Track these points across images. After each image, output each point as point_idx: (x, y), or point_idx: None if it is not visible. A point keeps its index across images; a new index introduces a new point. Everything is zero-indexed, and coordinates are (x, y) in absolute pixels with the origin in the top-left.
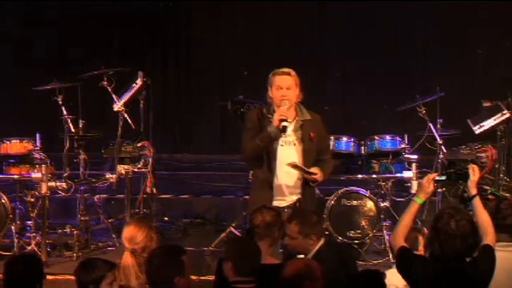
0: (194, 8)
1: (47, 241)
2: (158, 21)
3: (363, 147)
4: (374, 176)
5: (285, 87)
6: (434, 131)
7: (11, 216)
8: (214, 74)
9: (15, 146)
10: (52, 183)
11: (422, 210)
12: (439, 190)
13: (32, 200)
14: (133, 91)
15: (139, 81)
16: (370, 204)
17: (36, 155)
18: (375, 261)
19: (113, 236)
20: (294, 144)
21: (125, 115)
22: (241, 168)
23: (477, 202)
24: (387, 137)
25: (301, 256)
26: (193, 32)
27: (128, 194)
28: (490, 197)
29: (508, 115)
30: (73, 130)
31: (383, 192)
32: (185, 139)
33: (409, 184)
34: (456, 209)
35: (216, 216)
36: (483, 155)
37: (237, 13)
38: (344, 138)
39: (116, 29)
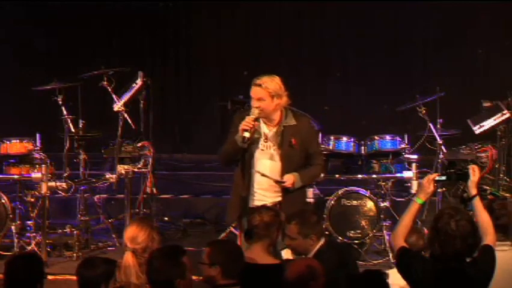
0: (194, 8)
1: (47, 241)
2: (158, 21)
3: (363, 147)
4: (374, 176)
5: (255, 98)
6: (434, 131)
7: (11, 216)
8: (214, 74)
9: (15, 146)
10: (52, 183)
11: (422, 210)
12: (439, 190)
13: (32, 200)
14: (133, 91)
15: (139, 81)
16: (370, 204)
17: (36, 155)
18: (375, 261)
19: (113, 236)
20: (274, 150)
21: (125, 115)
22: None
23: (477, 202)
24: (387, 137)
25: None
26: (193, 32)
27: (128, 194)
28: (489, 197)
29: (508, 115)
30: (73, 130)
31: (383, 192)
32: (185, 139)
33: (409, 184)
34: (456, 209)
35: (216, 216)
36: (483, 155)
37: (237, 13)
38: (344, 138)
39: (116, 29)
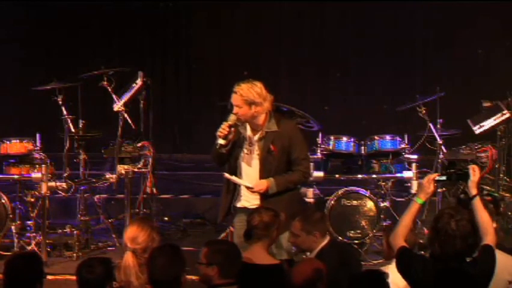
0: (194, 8)
1: (47, 241)
2: (158, 21)
3: (363, 147)
4: (374, 176)
5: (234, 105)
6: (434, 131)
7: (11, 216)
8: (214, 74)
9: (15, 146)
10: (52, 183)
11: (422, 210)
12: (439, 190)
13: (32, 200)
14: (133, 91)
15: (139, 81)
16: (370, 204)
17: (36, 155)
18: (375, 261)
19: (113, 236)
20: (257, 154)
21: (125, 115)
22: None
23: (477, 202)
24: (387, 137)
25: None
26: (193, 32)
27: (128, 194)
28: (487, 198)
29: (508, 115)
30: (73, 130)
31: (383, 192)
32: (185, 139)
33: (409, 184)
34: (456, 209)
35: (216, 216)
36: (483, 155)
37: (237, 13)
38: (344, 138)
39: (116, 29)
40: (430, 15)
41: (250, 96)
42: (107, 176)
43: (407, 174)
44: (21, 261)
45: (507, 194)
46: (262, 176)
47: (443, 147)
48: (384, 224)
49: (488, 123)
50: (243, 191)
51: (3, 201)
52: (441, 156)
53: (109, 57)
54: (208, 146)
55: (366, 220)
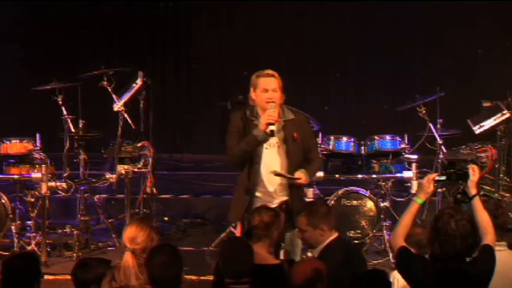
0: (194, 8)
1: (47, 241)
2: (158, 21)
3: (363, 147)
4: (374, 176)
5: (270, 90)
6: (434, 131)
7: (11, 216)
8: (214, 74)
9: (15, 146)
10: (52, 183)
11: (422, 210)
12: (439, 190)
13: (32, 200)
14: (133, 91)
15: (139, 81)
16: (370, 204)
17: (36, 155)
18: (375, 261)
19: (113, 236)
20: (278, 146)
21: (125, 115)
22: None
23: (477, 202)
24: (387, 137)
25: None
26: (193, 32)
27: (128, 194)
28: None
29: (508, 115)
30: (73, 130)
31: (383, 192)
32: (185, 139)
33: (409, 184)
34: (456, 209)
35: (216, 216)
36: (483, 155)
37: (237, 13)
38: (344, 138)
39: (116, 29)
40: (430, 15)
41: (281, 82)
42: (107, 176)
43: (407, 174)
44: (18, 261)
45: (507, 194)
46: (290, 166)
47: (443, 147)
48: (384, 224)
49: (488, 123)
50: (265, 190)
51: (3, 201)
52: (441, 156)
53: (109, 57)
54: (208, 146)
55: (366, 220)
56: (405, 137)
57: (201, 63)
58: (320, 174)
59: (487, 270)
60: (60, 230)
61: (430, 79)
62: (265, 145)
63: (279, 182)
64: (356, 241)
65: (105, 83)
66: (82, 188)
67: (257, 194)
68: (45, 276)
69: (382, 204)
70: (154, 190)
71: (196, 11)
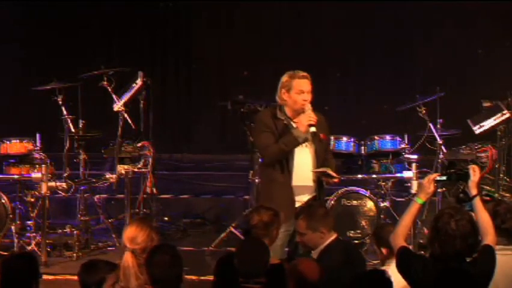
0: (194, 8)
1: (47, 241)
2: (158, 21)
3: (363, 147)
4: (374, 176)
5: (306, 91)
6: (434, 131)
7: (11, 216)
8: (214, 74)
9: (15, 146)
10: (52, 183)
11: (422, 210)
12: (439, 190)
13: (32, 200)
14: (133, 91)
15: (139, 81)
16: (370, 204)
17: (36, 155)
18: (375, 261)
19: (113, 236)
20: (306, 146)
21: (125, 115)
22: (241, 168)
23: (477, 202)
24: (387, 137)
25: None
26: (193, 32)
27: (128, 194)
28: (486, 198)
29: (508, 115)
30: (73, 130)
31: (383, 192)
32: (185, 139)
33: (409, 184)
34: (456, 209)
35: (216, 216)
36: (483, 155)
37: (237, 13)
38: (344, 138)
39: (116, 29)
40: (430, 15)
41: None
42: (107, 176)
43: (407, 174)
44: (17, 261)
45: (507, 194)
46: (317, 166)
47: (443, 147)
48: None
49: (488, 123)
50: (296, 187)
51: (3, 201)
52: (441, 156)
53: (109, 57)
54: (208, 146)
55: (366, 220)
56: (405, 137)
57: (201, 63)
58: None
59: (487, 271)
60: (60, 230)
61: (430, 79)
62: None
63: (310, 180)
64: (356, 241)
65: (105, 83)
66: (82, 188)
67: (291, 191)
68: (45, 276)
69: (382, 204)
70: (154, 190)
71: (196, 11)
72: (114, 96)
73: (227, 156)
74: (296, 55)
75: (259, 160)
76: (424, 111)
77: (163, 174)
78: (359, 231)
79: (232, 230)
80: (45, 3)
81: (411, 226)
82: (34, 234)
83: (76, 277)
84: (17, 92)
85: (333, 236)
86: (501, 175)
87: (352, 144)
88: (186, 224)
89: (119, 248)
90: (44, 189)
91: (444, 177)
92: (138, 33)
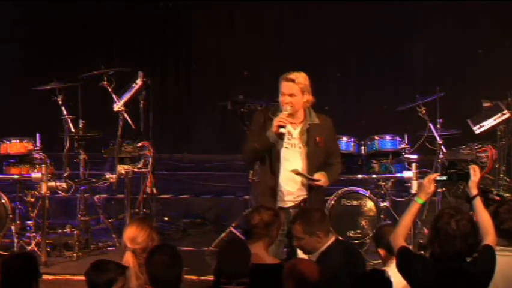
0: (194, 8)
1: (47, 241)
2: (158, 21)
3: (363, 147)
4: (374, 176)
5: (287, 94)
6: (434, 131)
7: (11, 216)
8: (214, 74)
9: (15, 146)
10: (52, 183)
11: (422, 210)
12: (439, 190)
13: (32, 200)
14: (133, 91)
15: (139, 81)
16: (370, 204)
17: (36, 155)
18: (375, 261)
19: (113, 236)
20: (300, 148)
21: (125, 115)
22: (241, 168)
23: (478, 202)
24: (387, 137)
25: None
26: (193, 32)
27: (128, 194)
28: (496, 198)
29: (508, 115)
30: (73, 130)
31: (383, 192)
32: (185, 139)
33: (409, 184)
34: (456, 209)
35: (216, 216)
36: (483, 155)
37: (237, 13)
38: (344, 138)
39: (116, 29)
40: (430, 15)
41: (306, 84)
42: (107, 176)
43: (407, 174)
44: (17, 261)
45: (507, 194)
46: (310, 169)
47: (443, 147)
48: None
49: (488, 123)
50: (285, 189)
51: (3, 201)
52: (441, 156)
53: (109, 57)
54: (208, 146)
55: (366, 220)
56: (405, 137)
57: (201, 63)
58: None
59: (487, 271)
60: (60, 230)
61: (430, 79)
62: (285, 144)
63: (298, 182)
64: (356, 241)
65: (105, 83)
66: (82, 188)
67: (278, 192)
68: (45, 276)
69: (382, 204)
70: (154, 190)
71: (196, 11)
72: (114, 96)
73: (227, 156)
74: (296, 55)
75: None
76: (424, 111)
77: (163, 174)
78: (359, 231)
79: (232, 230)
80: (45, 3)
81: (411, 226)
82: (34, 234)
83: (76, 277)
84: (17, 92)
85: (332, 239)
86: (501, 175)
87: (352, 144)
88: (186, 224)
89: (119, 248)
90: (44, 189)
91: (444, 177)
92: (138, 33)
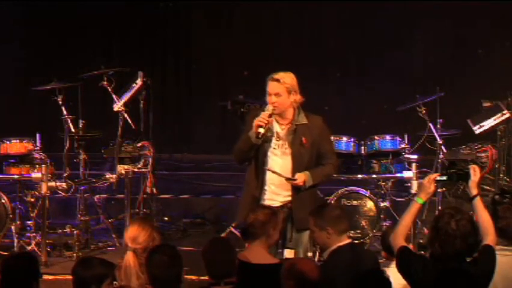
0: (194, 8)
1: (47, 241)
2: (158, 21)
3: (363, 147)
4: (374, 176)
5: (272, 94)
6: (434, 131)
7: (11, 216)
8: (214, 74)
9: (15, 146)
10: (52, 183)
11: (422, 210)
12: (439, 190)
13: (32, 200)
14: (133, 91)
15: (139, 81)
16: (370, 204)
17: (36, 155)
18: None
19: (113, 236)
20: (286, 148)
21: (125, 115)
22: (241, 168)
23: (478, 202)
24: (387, 137)
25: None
26: (193, 32)
27: (128, 194)
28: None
29: (508, 115)
30: (73, 130)
31: (383, 192)
32: (185, 139)
33: (409, 184)
34: (456, 209)
35: (216, 216)
36: (483, 155)
37: (237, 13)
38: (344, 138)
39: (116, 29)
40: (430, 15)
41: (293, 84)
42: (107, 176)
43: (407, 174)
44: (17, 261)
45: (499, 192)
46: (295, 169)
47: (443, 147)
48: (384, 224)
49: (488, 123)
50: (269, 190)
51: (3, 201)
52: (441, 156)
53: (109, 57)
54: (208, 146)
55: (366, 220)
56: (405, 137)
57: (201, 63)
58: None
59: (487, 271)
60: (60, 230)
61: (430, 79)
62: (273, 145)
63: (282, 182)
64: (356, 241)
65: (105, 83)
66: (82, 188)
67: (263, 193)
68: (45, 276)
69: (382, 204)
70: (154, 190)
71: (196, 11)
72: (114, 96)
73: (227, 156)
74: (296, 55)
75: None
76: (424, 111)
77: (163, 174)
78: (359, 231)
79: (232, 230)
80: (45, 3)
81: (411, 226)
82: (34, 234)
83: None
84: (17, 92)
85: (345, 241)
86: (501, 175)
87: (352, 144)
88: (186, 224)
89: (119, 248)
90: (44, 189)
91: (444, 177)
92: (138, 33)
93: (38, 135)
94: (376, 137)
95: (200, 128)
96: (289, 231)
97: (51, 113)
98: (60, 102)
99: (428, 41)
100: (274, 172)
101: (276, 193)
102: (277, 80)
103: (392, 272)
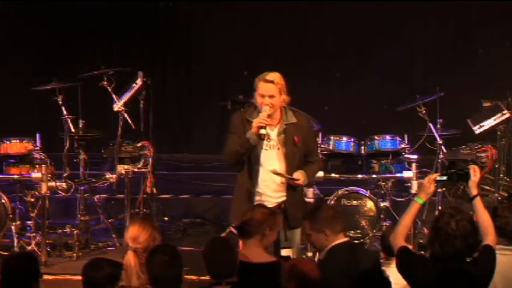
0: (194, 8)
1: (47, 241)
2: (158, 21)
3: (363, 147)
4: (374, 176)
5: (267, 96)
6: (434, 131)
7: (11, 216)
8: (214, 74)
9: (15, 146)
10: (52, 183)
11: (422, 210)
12: (439, 190)
13: (32, 200)
14: (133, 91)
15: (139, 81)
16: (370, 204)
17: (36, 155)
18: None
19: (113, 236)
20: (278, 149)
21: (125, 115)
22: None
23: (478, 202)
24: (387, 137)
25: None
26: (193, 32)
27: (128, 194)
28: None
29: (508, 115)
30: (73, 130)
31: (383, 192)
32: (185, 139)
33: (409, 184)
34: (456, 209)
35: (216, 216)
36: (483, 155)
37: (237, 13)
38: (344, 138)
39: (116, 29)
40: (430, 15)
41: (283, 84)
42: (107, 176)
43: (407, 174)
44: (17, 261)
45: (507, 194)
46: (289, 169)
47: (443, 147)
48: (384, 224)
49: (488, 123)
50: (263, 191)
51: (3, 201)
52: (441, 156)
53: (109, 57)
54: (208, 146)
55: (366, 220)
56: (405, 137)
57: (201, 63)
58: (320, 174)
59: (487, 271)
60: (60, 230)
61: (430, 79)
62: (264, 146)
63: (277, 183)
64: (356, 241)
65: (105, 83)
66: (82, 188)
67: (256, 194)
68: (45, 276)
69: (382, 204)
70: (154, 190)
71: (196, 11)
72: (114, 96)
73: None
74: (296, 55)
75: None
76: (424, 111)
77: (163, 174)
78: (359, 231)
79: (232, 230)
80: (46, 3)
81: (411, 226)
82: (34, 234)
83: (75, 277)
84: (17, 92)
85: (341, 239)
86: (501, 175)
87: (352, 144)
88: (186, 224)
89: (119, 248)
90: (44, 189)
91: (444, 177)
92: (138, 33)
93: (38, 135)
94: (376, 137)
95: (200, 128)
96: (282, 230)
97: (51, 113)
98: (60, 102)
99: (428, 40)
100: (278, 174)
101: (270, 195)
102: (272, 82)
103: (392, 272)
